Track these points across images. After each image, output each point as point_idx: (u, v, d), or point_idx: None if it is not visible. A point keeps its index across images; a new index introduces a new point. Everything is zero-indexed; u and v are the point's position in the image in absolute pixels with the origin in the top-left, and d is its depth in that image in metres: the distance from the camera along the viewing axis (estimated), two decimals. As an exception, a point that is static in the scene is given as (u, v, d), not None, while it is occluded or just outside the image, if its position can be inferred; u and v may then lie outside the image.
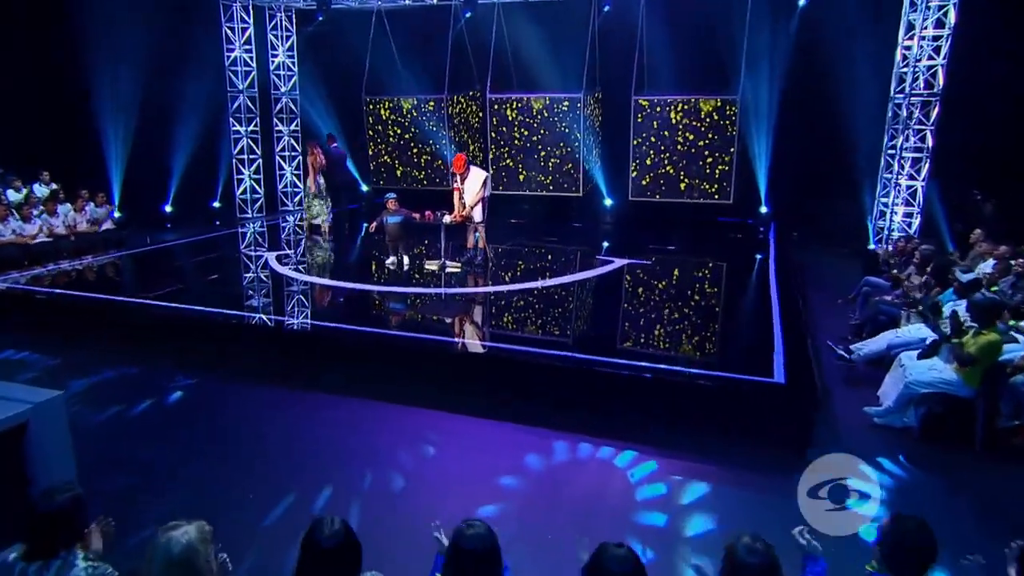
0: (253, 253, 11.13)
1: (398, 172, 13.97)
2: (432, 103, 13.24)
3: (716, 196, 12.15)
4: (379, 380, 6.40)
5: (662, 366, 5.99)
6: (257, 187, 14.00)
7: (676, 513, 4.61)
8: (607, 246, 11.82)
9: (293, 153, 14.60)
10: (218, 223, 13.77)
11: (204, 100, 13.79)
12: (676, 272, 10.06)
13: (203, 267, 10.51)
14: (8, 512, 3.24)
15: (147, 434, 5.79)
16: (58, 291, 8.55)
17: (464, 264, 9.63)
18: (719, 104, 11.72)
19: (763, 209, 12.74)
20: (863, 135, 11.51)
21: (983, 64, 10.13)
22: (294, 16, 14.10)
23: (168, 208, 14.34)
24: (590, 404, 5.90)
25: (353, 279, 9.49)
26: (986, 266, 7.77)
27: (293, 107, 14.43)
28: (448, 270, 9.44)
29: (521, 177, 13.27)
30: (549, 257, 11.16)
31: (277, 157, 14.41)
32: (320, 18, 12.92)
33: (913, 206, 10.60)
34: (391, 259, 9.78)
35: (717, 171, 12.01)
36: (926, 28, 10.15)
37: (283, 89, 14.21)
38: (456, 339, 7.40)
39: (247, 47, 13.34)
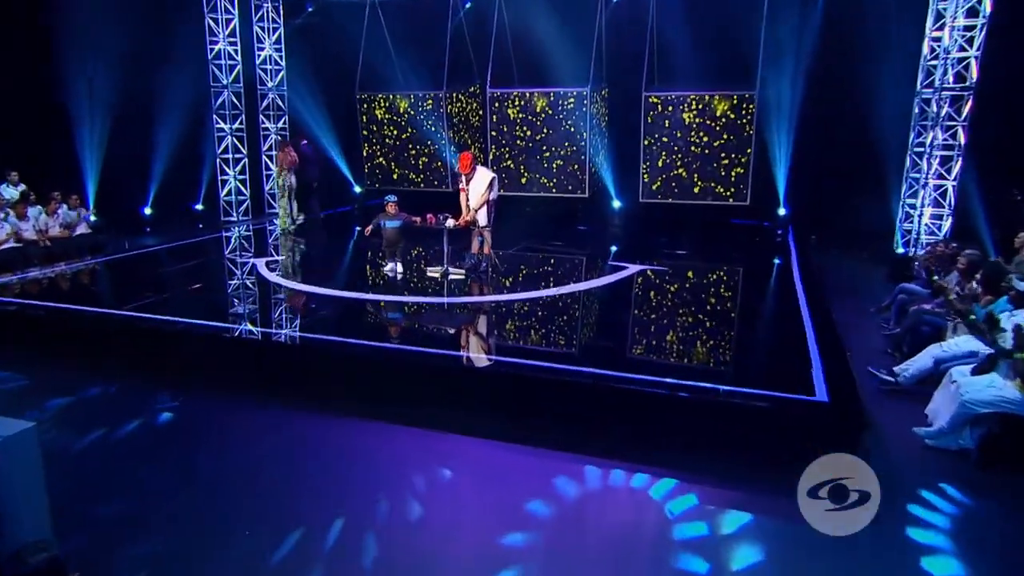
0: (239, 259, 10.46)
1: (394, 174, 13.38)
2: (430, 100, 12.68)
3: (731, 199, 11.64)
4: (383, 398, 5.88)
5: (702, 384, 5.39)
6: (243, 188, 13.36)
7: (719, 551, 4.08)
8: (616, 250, 11.22)
9: (282, 153, 13.99)
10: (201, 226, 13.17)
11: (186, 96, 13.21)
12: (695, 279, 9.42)
13: (186, 274, 9.90)
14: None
15: (130, 462, 5.26)
16: (28, 301, 7.94)
17: (468, 271, 9.00)
18: (735, 101, 11.25)
19: (781, 211, 12.21)
20: (887, 132, 11.09)
21: (1020, 56, 9.59)
22: (281, 6, 13.46)
23: (148, 211, 13.83)
24: (619, 425, 5.36)
25: (350, 288, 8.84)
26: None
27: (281, 104, 13.83)
28: (451, 277, 8.84)
29: (523, 180, 12.69)
30: (553, 262, 10.50)
31: (264, 157, 13.78)
32: (310, 9, 12.40)
33: (943, 207, 10.04)
34: (389, 265, 9.19)
35: (733, 174, 11.50)
36: (957, 18, 9.60)
37: (270, 84, 13.59)
38: (480, 354, 6.73)
39: (231, 39, 12.72)
